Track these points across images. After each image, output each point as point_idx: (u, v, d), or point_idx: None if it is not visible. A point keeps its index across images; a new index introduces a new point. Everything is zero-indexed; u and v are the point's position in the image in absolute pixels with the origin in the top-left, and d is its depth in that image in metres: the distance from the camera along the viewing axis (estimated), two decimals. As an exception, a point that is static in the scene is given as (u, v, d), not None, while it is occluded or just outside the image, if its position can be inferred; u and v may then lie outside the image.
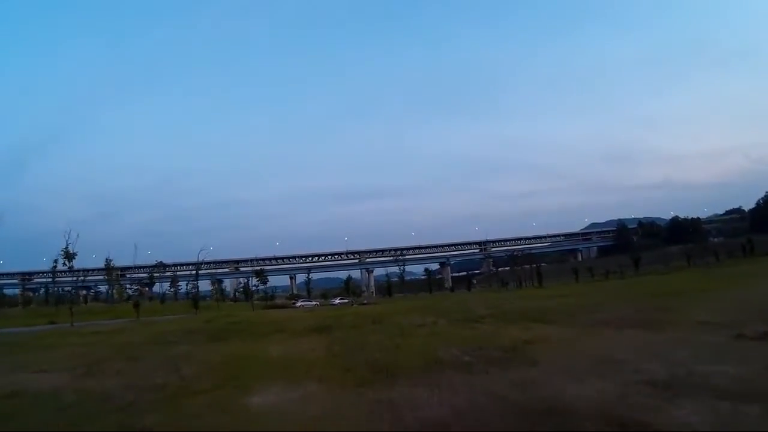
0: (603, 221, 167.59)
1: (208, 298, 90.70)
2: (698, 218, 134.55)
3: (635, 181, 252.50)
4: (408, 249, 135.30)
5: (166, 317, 42.02)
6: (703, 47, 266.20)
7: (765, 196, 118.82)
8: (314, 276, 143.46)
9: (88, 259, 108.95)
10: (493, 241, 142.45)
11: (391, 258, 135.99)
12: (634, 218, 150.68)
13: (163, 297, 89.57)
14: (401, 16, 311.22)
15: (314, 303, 68.32)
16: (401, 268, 77.88)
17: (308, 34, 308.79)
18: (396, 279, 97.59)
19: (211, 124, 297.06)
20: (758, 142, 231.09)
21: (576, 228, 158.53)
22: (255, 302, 69.02)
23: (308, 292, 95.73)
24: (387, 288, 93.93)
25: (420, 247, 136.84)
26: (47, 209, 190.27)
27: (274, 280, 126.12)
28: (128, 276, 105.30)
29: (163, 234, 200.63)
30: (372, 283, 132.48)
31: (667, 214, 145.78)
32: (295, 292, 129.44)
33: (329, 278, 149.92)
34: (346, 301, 72.12)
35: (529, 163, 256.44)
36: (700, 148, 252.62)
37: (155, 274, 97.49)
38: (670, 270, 56.45)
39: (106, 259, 78.81)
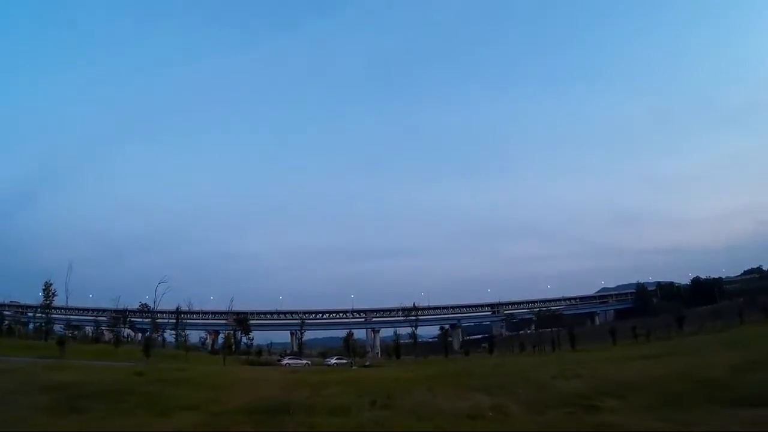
0: (613, 285, 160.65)
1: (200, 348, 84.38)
2: (720, 278, 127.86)
3: (644, 245, 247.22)
4: (417, 309, 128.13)
5: (96, 362, 34.57)
6: (712, 105, 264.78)
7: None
8: (318, 334, 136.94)
9: (84, 297, 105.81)
10: (507, 304, 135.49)
11: (399, 318, 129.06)
12: (644, 282, 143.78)
13: (128, 340, 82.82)
14: (410, 75, 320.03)
15: (304, 362, 58.51)
16: (413, 327, 69.52)
17: (320, 90, 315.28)
18: (406, 339, 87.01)
19: (223, 174, 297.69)
20: (766, 204, 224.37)
21: (588, 292, 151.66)
22: (239, 357, 62.06)
23: (300, 348, 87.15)
24: (395, 348, 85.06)
25: (429, 308, 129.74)
26: (53, 243, 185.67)
27: (275, 336, 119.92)
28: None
29: (168, 279, 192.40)
30: (378, 343, 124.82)
31: (678, 278, 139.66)
32: (295, 349, 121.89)
33: (333, 337, 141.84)
34: (345, 361, 62.96)
35: (539, 225, 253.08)
36: (710, 210, 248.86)
37: (132, 318, 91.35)
38: (724, 327, 50.22)
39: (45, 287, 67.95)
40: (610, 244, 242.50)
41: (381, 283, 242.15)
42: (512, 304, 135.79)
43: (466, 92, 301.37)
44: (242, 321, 78.39)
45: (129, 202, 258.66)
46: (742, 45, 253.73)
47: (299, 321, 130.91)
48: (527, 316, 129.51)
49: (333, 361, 62.72)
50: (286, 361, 57.70)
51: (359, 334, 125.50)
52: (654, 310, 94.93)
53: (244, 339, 79.34)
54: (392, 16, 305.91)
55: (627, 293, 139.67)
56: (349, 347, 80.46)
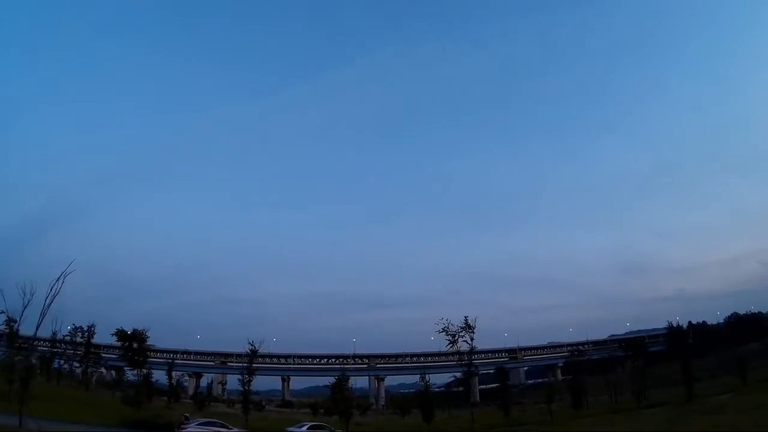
0: (622, 332, 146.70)
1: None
2: (760, 312, 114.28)
3: (651, 293, 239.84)
4: (427, 355, 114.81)
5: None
6: (716, 155, 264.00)
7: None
8: (315, 381, 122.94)
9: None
10: (526, 349, 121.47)
11: (408, 365, 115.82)
12: (651, 329, 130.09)
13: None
14: (419, 128, 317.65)
15: None
16: (425, 377, 54.84)
17: (330, 141, 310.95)
18: (416, 390, 65.29)
19: (229, 220, 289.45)
20: None
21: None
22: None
23: (245, 398, 53.65)
24: (401, 402, 70.06)
25: (440, 354, 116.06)
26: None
27: (265, 381, 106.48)
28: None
29: (167, 324, 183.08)
30: (382, 393, 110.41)
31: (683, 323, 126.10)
32: (286, 397, 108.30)
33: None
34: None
35: (546, 277, 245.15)
36: (715, 256, 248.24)
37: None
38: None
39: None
40: (619, 293, 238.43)
41: (387, 332, 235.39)
42: (533, 348, 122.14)
43: (476, 149, 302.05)
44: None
45: (139, 243, 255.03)
46: (746, 95, 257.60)
47: (296, 366, 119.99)
48: (552, 362, 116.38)
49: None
50: (192, 429, 32.72)
51: (361, 383, 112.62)
52: (694, 351, 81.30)
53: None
54: (401, 71, 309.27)
55: (658, 335, 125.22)
56: (338, 399, 48.61)
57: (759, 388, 39.85)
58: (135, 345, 40.67)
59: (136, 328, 41.24)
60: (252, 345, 45.61)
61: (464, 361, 52.29)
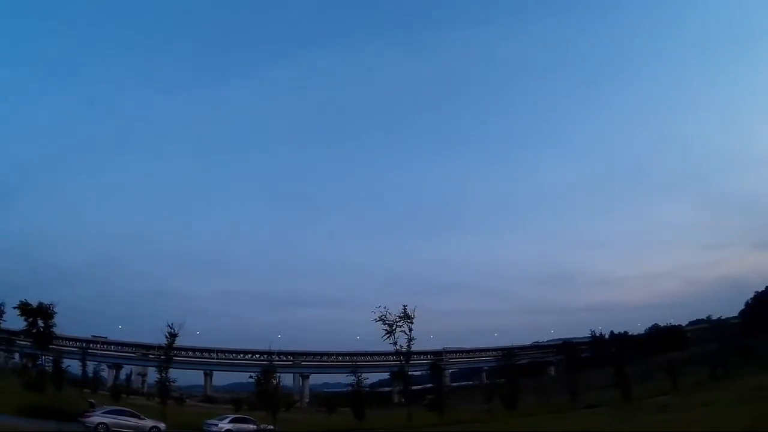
0: (546, 339, 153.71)
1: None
2: (680, 325, 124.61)
3: (576, 303, 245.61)
4: (354, 354, 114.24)
5: None
6: (642, 175, 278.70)
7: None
8: (238, 377, 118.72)
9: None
10: (452, 351, 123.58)
11: (335, 363, 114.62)
12: (573, 337, 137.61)
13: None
14: (360, 131, 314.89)
15: (148, 425, 31.92)
16: (358, 375, 52.21)
17: (270, 136, 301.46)
18: (349, 388, 55.15)
19: (158, 213, 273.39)
20: (691, 264, 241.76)
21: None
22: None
23: (162, 386, 46.15)
24: (328, 400, 69.24)
25: (367, 354, 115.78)
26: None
27: (187, 377, 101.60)
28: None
29: (91, 312, 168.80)
30: (307, 390, 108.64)
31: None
32: (208, 393, 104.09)
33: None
34: (252, 428, 36.71)
35: (472, 283, 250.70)
36: (638, 270, 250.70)
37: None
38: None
39: None
40: (544, 301, 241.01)
41: (310, 331, 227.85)
42: (459, 351, 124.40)
43: (410, 153, 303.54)
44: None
45: (61, 230, 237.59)
46: (673, 118, 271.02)
47: (218, 361, 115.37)
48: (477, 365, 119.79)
49: (225, 426, 35.06)
50: (97, 418, 29.53)
51: (286, 380, 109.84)
52: (617, 359, 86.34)
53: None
54: (341, 74, 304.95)
55: (582, 343, 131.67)
56: (264, 394, 49.04)
57: (693, 390, 42.18)
58: (41, 322, 36.51)
59: (42, 302, 36.99)
60: (170, 327, 41.87)
61: (397, 359, 51.55)
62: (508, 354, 71.77)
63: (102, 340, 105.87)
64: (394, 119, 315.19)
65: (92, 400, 34.59)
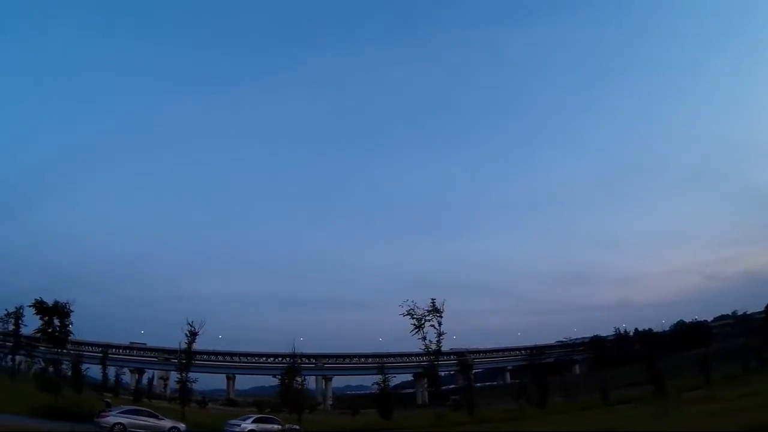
0: (570, 338, 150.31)
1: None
2: (705, 321, 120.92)
3: (593, 301, 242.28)
4: (376, 356, 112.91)
5: None
6: (658, 173, 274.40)
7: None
8: (262, 381, 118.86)
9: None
10: (475, 351, 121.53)
11: (354, 365, 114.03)
12: (596, 336, 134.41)
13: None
14: (370, 132, 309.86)
15: (167, 425, 30.68)
16: (384, 376, 49.55)
17: (278, 140, 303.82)
18: (375, 387, 53.79)
19: (175, 217, 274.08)
20: (711, 260, 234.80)
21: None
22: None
23: (182, 386, 44.63)
24: (352, 401, 67.77)
25: (389, 355, 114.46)
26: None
27: (209, 381, 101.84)
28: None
29: (108, 318, 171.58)
30: (330, 393, 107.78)
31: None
32: (231, 396, 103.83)
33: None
34: (276, 428, 34.61)
35: (490, 283, 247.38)
36: (658, 268, 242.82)
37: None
38: None
39: None
40: (563, 300, 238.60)
41: (332, 333, 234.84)
42: (483, 352, 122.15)
43: (423, 152, 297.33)
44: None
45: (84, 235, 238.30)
46: (691, 114, 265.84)
47: (241, 364, 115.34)
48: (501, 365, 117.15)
49: (248, 426, 32.98)
50: (113, 418, 28.23)
51: (308, 383, 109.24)
52: (642, 356, 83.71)
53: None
54: (348, 76, 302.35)
55: (607, 341, 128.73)
56: (286, 396, 47.56)
57: (727, 384, 40.24)
58: (57, 321, 35.62)
59: (57, 300, 36.14)
60: (191, 326, 41.02)
61: (421, 359, 49.69)
62: (536, 353, 69.83)
63: (127, 345, 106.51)
64: (411, 121, 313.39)
65: (108, 400, 33.75)
